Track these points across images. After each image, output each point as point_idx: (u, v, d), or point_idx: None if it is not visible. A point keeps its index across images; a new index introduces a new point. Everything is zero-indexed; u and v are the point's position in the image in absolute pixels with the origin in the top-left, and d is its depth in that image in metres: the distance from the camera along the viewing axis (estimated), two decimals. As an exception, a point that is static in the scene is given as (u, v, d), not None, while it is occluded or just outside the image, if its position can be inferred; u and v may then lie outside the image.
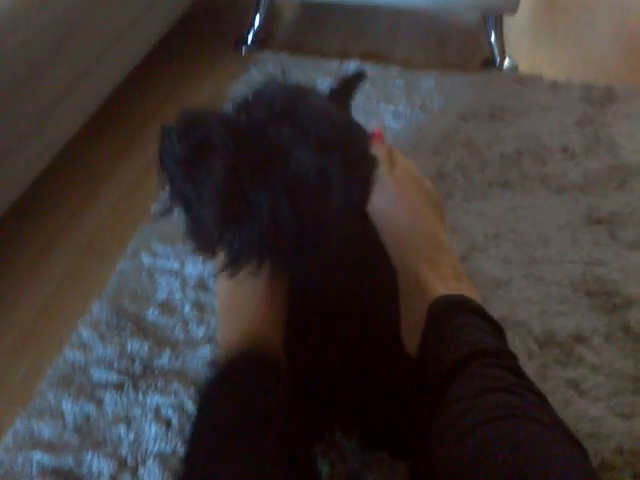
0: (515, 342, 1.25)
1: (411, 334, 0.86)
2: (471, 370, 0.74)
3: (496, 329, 0.84)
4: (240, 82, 2.06)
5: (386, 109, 1.93)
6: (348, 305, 0.91)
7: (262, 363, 0.87)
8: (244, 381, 0.86)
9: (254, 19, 2.28)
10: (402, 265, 0.87)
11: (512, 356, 0.80)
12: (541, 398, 0.72)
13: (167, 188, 0.80)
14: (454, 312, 0.82)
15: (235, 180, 0.77)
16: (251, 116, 0.81)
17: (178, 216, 0.81)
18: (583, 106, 1.91)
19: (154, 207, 1.50)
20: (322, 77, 2.05)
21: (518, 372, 0.75)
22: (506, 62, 2.18)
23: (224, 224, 0.78)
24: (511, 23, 2.30)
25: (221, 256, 0.83)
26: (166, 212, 0.82)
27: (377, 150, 0.87)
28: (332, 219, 0.82)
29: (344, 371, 0.96)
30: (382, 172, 0.86)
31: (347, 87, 1.05)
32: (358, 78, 1.06)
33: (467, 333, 0.79)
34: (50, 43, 1.45)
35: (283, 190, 0.78)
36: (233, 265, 0.82)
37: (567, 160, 1.72)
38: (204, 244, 0.82)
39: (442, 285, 0.85)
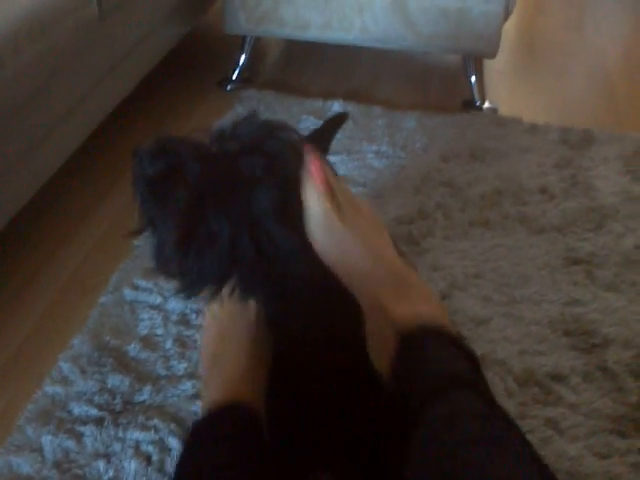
0: (494, 381, 1.27)
1: (380, 361, 0.83)
2: (445, 397, 0.74)
3: (467, 353, 0.84)
4: (225, 119, 2.08)
5: (369, 149, 1.96)
6: (322, 342, 0.91)
7: (240, 416, 0.88)
8: (222, 432, 0.87)
9: (239, 58, 2.31)
10: (366, 299, 0.84)
11: (484, 382, 0.80)
12: (510, 425, 0.72)
13: (138, 208, 0.83)
14: (426, 339, 0.80)
15: (198, 206, 0.79)
16: (222, 147, 0.83)
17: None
18: (561, 149, 1.96)
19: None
20: (306, 115, 2.08)
21: (489, 399, 0.76)
22: (486, 104, 2.22)
23: (182, 248, 0.80)
24: (491, 66, 2.36)
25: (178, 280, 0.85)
26: (138, 232, 0.84)
27: (319, 192, 0.82)
28: (291, 251, 0.84)
29: (325, 410, 0.97)
30: (328, 216, 0.82)
31: (329, 128, 1.08)
32: (340, 119, 1.09)
33: (439, 360, 0.78)
34: (34, 82, 1.45)
35: (245, 220, 0.80)
36: (189, 289, 0.84)
37: (546, 201, 1.75)
38: (162, 265, 0.84)
39: (412, 312, 0.82)
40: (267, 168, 0.81)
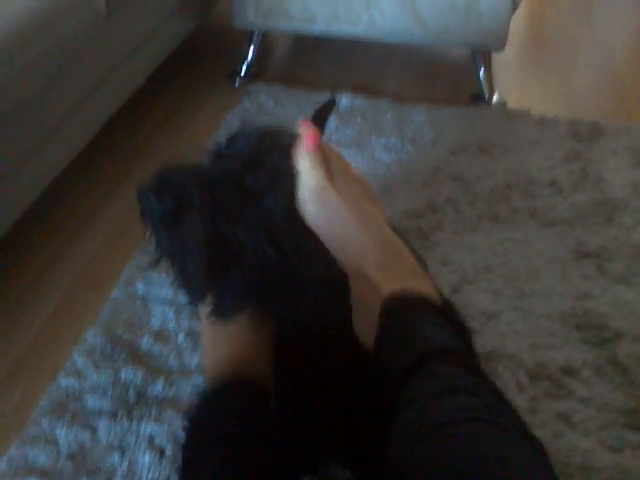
0: (505, 375, 1.27)
1: (366, 337, 0.83)
2: (430, 368, 0.73)
3: (455, 325, 0.83)
4: (233, 114, 2.09)
5: (377, 142, 1.97)
6: (331, 332, 0.91)
7: (247, 385, 0.88)
8: (230, 402, 0.87)
9: (247, 52, 2.31)
10: (352, 268, 0.84)
11: (471, 354, 0.80)
12: (500, 399, 0.71)
13: (152, 241, 0.83)
14: (410, 308, 0.80)
15: (215, 232, 0.81)
16: (225, 167, 0.84)
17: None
18: (570, 142, 1.95)
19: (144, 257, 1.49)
20: (314, 109, 2.08)
21: (477, 371, 0.75)
22: (495, 97, 2.22)
23: (211, 276, 0.81)
24: (500, 59, 2.35)
25: (209, 302, 0.86)
26: (154, 263, 0.85)
27: (314, 159, 0.83)
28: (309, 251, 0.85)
29: (334, 401, 0.97)
30: (320, 184, 0.83)
31: (320, 115, 1.09)
32: (329, 106, 1.11)
33: (425, 330, 0.77)
34: (42, 78, 1.46)
35: (262, 229, 0.81)
36: (225, 312, 0.85)
37: (555, 194, 1.75)
38: (194, 296, 0.86)
39: (397, 282, 0.82)
40: (272, 181, 0.83)
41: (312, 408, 0.96)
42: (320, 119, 1.08)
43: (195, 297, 0.87)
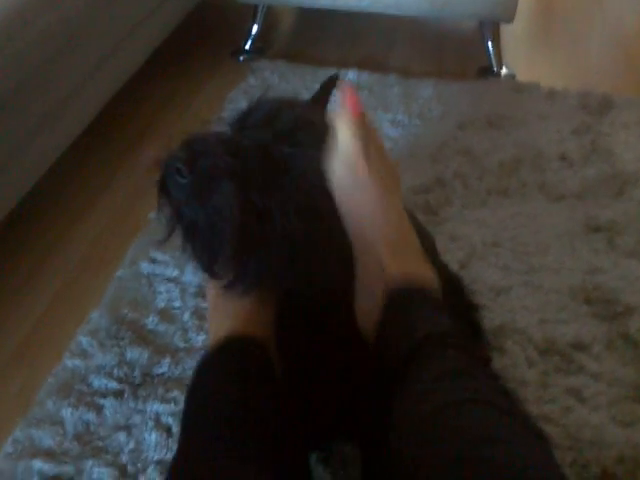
0: (515, 350, 1.26)
1: (366, 316, 0.83)
2: (430, 352, 0.73)
3: (458, 312, 0.83)
4: (238, 90, 2.06)
5: (384, 117, 1.94)
6: (338, 306, 0.90)
7: (250, 344, 0.87)
8: (233, 366, 0.86)
9: (252, 28, 2.28)
10: (362, 245, 0.84)
11: (469, 338, 0.79)
12: (497, 382, 0.71)
13: (167, 216, 0.82)
14: (414, 296, 0.80)
15: (246, 201, 0.78)
16: (253, 137, 0.82)
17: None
18: (580, 114, 1.92)
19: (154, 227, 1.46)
20: (319, 85, 2.05)
21: (475, 354, 0.74)
22: (503, 70, 2.18)
23: (240, 246, 0.79)
24: (508, 31, 2.31)
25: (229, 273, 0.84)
26: (166, 237, 0.84)
27: (355, 127, 0.83)
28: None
29: (343, 377, 0.96)
30: (356, 154, 0.82)
31: (324, 93, 1.07)
32: (332, 82, 1.09)
33: (425, 317, 0.78)
34: (44, 54, 1.44)
35: (291, 201, 0.79)
36: (247, 284, 0.83)
37: (565, 168, 1.72)
38: (215, 267, 0.83)
39: (403, 269, 0.82)
40: (301, 153, 0.82)
41: (316, 384, 0.96)
42: (323, 96, 1.06)
43: (216, 270, 0.84)
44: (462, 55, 2.31)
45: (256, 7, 2.26)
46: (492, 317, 1.32)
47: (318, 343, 0.92)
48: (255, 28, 2.28)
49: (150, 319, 1.34)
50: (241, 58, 2.28)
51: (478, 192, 1.65)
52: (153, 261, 1.47)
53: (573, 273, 1.43)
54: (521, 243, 1.51)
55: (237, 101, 2.00)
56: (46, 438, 1.13)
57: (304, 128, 0.84)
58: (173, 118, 1.96)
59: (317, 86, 2.10)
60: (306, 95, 1.92)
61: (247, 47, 2.29)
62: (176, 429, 1.14)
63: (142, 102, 2.00)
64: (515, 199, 1.64)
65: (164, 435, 1.14)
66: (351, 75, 2.11)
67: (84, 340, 1.29)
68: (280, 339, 0.92)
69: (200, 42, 2.35)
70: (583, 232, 1.53)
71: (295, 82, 2.09)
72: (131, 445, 1.12)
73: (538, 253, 1.48)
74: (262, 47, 2.32)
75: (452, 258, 1.45)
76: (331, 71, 2.09)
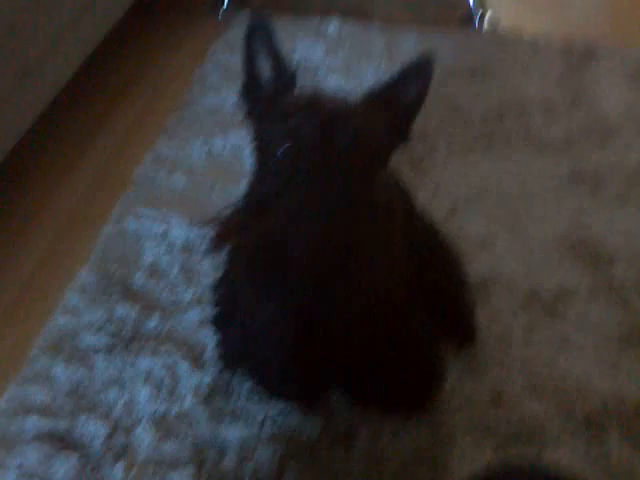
0: (500, 298, 1.28)
1: None
2: None
3: None
4: (218, 44, 2.03)
5: (367, 68, 1.92)
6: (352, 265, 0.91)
7: None
8: None
9: (232, -23, 2.24)
10: None
11: None
12: None
13: None
14: None
15: None
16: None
17: None
18: (564, 64, 1.92)
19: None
20: (303, 36, 2.03)
21: None
22: (486, 19, 2.16)
23: None
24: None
25: None
26: None
27: None
28: None
29: (347, 325, 1.00)
30: None
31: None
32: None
33: None
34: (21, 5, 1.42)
35: None
36: None
37: (549, 118, 1.73)
38: None
39: None
40: None
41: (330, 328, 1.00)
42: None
43: None
44: (445, 3, 2.28)
45: (236, -45, 2.21)
46: (477, 266, 1.34)
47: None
48: (235, -23, 2.24)
49: (138, 275, 1.34)
50: (222, 10, 2.23)
51: (462, 143, 1.66)
52: (139, 217, 1.46)
53: (558, 222, 1.44)
54: (506, 193, 1.52)
55: (217, 54, 1.98)
56: (39, 395, 1.13)
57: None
58: (155, 73, 1.94)
59: (300, 36, 2.08)
60: (287, 45, 1.89)
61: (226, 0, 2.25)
62: (168, 382, 1.16)
63: (122, 61, 1.96)
64: (499, 149, 1.64)
65: (156, 389, 1.15)
66: (333, 25, 2.08)
67: (73, 298, 1.29)
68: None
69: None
70: (567, 181, 1.54)
71: (277, 33, 2.06)
72: (123, 399, 1.14)
73: (523, 202, 1.50)
74: (242, -1, 2.28)
75: (437, 208, 1.45)
76: (314, 22, 2.09)
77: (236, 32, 2.07)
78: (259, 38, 0.96)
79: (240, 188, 1.48)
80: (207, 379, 1.17)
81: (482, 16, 2.16)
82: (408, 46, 2.02)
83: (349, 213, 0.87)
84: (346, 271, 0.90)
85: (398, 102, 0.97)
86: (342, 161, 0.87)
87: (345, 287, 0.93)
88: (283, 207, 0.85)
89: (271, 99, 0.96)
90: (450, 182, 1.55)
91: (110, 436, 1.09)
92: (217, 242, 0.92)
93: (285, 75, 0.97)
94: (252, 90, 0.99)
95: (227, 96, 1.82)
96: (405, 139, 1.01)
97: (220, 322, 1.21)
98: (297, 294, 0.94)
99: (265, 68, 0.98)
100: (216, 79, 1.88)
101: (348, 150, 0.87)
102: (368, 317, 1.00)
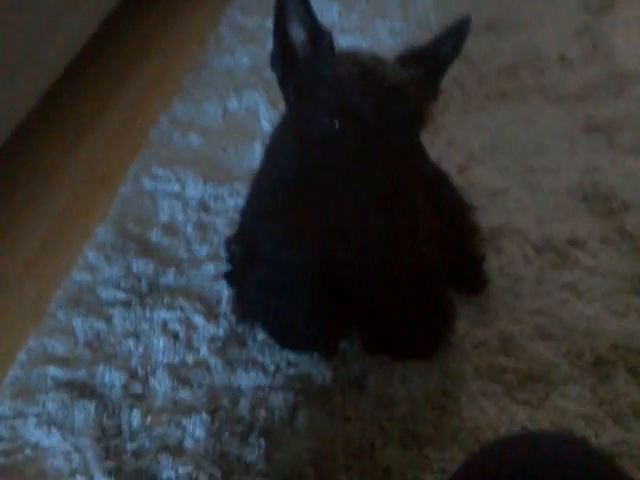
0: (511, 248, 1.28)
1: None
2: None
3: None
4: (233, 5, 2.04)
5: (382, 26, 1.92)
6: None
7: None
8: None
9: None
10: None
11: None
12: None
13: None
14: None
15: None
16: None
17: None
18: (581, 15, 1.89)
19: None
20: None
21: None
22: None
23: None
24: None
25: None
26: None
27: None
28: None
29: (367, 274, 1.02)
30: None
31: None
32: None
33: None
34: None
35: None
36: None
37: (565, 70, 1.71)
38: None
39: None
40: None
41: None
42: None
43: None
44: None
45: None
46: (490, 218, 1.34)
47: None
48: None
49: (154, 232, 1.37)
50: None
51: (476, 97, 1.65)
52: (155, 177, 1.49)
53: (571, 172, 1.43)
54: (520, 145, 1.52)
55: (233, 17, 1.98)
56: (58, 346, 1.17)
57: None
58: (171, 34, 1.95)
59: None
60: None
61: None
62: (183, 334, 1.18)
63: (141, 18, 1.98)
64: (514, 103, 1.63)
65: (171, 340, 1.18)
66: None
67: (91, 254, 1.32)
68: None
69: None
70: (582, 132, 1.53)
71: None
72: (140, 350, 1.17)
73: (537, 154, 1.49)
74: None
75: (450, 163, 1.45)
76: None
77: (231, 13, 2.06)
78: (291, 2, 0.92)
79: (253, 148, 1.53)
80: (221, 331, 1.19)
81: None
82: (423, 2, 2.00)
83: (398, 172, 0.89)
84: (375, 221, 0.91)
85: (434, 60, 0.98)
86: (397, 134, 0.88)
87: (368, 237, 0.94)
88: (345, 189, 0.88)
89: (309, 65, 0.94)
90: (464, 136, 1.54)
91: (127, 385, 1.12)
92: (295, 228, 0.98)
93: (322, 39, 0.93)
94: (285, 56, 0.96)
95: (241, 57, 1.83)
96: (435, 96, 1.01)
97: (234, 277, 1.24)
98: (321, 244, 0.97)
99: (296, 31, 0.94)
100: (231, 41, 1.89)
101: (404, 123, 0.89)
102: (387, 265, 1.02)
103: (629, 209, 1.34)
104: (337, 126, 0.88)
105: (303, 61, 0.95)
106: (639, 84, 1.64)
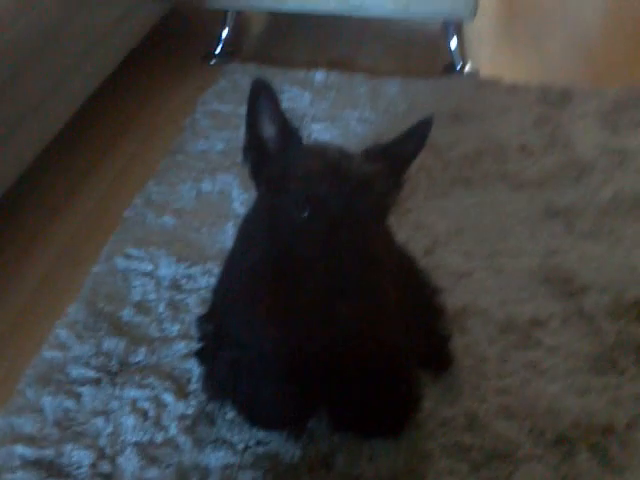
0: (476, 329, 1.32)
1: None
2: None
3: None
4: (210, 93, 2.11)
5: (352, 115, 2.00)
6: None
7: None
8: None
9: (222, 32, 2.34)
10: None
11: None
12: None
13: None
14: None
15: None
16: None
17: None
18: (541, 107, 1.99)
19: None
20: (289, 86, 2.11)
21: None
22: (467, 67, 2.25)
23: None
24: (472, 30, 2.39)
25: None
26: None
27: None
28: None
29: (337, 356, 1.05)
30: None
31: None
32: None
33: None
34: (23, 53, 1.49)
35: None
36: None
37: (525, 158, 1.79)
38: None
39: None
40: None
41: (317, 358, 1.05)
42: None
43: None
44: (428, 54, 2.38)
45: (226, 12, 2.32)
46: (455, 299, 1.38)
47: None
48: (225, 32, 2.34)
49: (126, 311, 1.38)
50: (212, 62, 2.33)
51: (442, 183, 1.71)
52: (128, 257, 1.51)
53: (532, 256, 1.49)
54: (483, 230, 1.57)
55: (208, 103, 2.05)
56: (27, 425, 1.16)
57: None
58: (148, 119, 2.01)
59: (287, 87, 2.16)
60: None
61: (218, 51, 2.34)
62: (152, 413, 1.19)
63: (116, 107, 2.04)
64: (477, 189, 1.70)
65: (141, 419, 1.18)
66: (320, 75, 2.17)
67: (62, 332, 1.33)
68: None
69: (173, 46, 2.40)
70: (542, 217, 1.60)
71: (265, 83, 2.14)
72: (109, 429, 1.17)
73: (499, 238, 1.55)
74: (233, 51, 2.37)
75: (417, 246, 1.50)
76: (301, 72, 2.18)
77: (225, 82, 2.16)
78: (263, 100, 1.01)
79: (226, 229, 1.57)
80: (191, 409, 1.20)
81: (462, 67, 2.25)
82: (391, 93, 2.10)
83: (364, 259, 0.94)
84: (342, 308, 0.96)
85: (399, 156, 1.05)
86: (363, 221, 0.95)
87: (340, 323, 0.98)
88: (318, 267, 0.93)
89: (279, 159, 1.01)
90: (429, 220, 1.60)
91: (95, 464, 1.11)
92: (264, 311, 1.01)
93: (291, 135, 1.02)
94: (257, 150, 1.04)
95: (216, 142, 1.89)
96: (400, 187, 1.08)
97: (205, 355, 1.26)
98: (290, 327, 1.00)
99: (267, 127, 1.02)
100: (206, 126, 1.95)
101: (370, 213, 0.96)
102: (357, 348, 1.05)
103: (588, 291, 1.39)
104: (305, 215, 0.94)
105: (273, 155, 1.03)
106: (596, 172, 1.72)
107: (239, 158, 1.07)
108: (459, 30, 2.25)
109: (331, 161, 0.97)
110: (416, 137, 1.08)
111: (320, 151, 1.01)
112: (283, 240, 0.98)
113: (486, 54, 2.38)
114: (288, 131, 1.02)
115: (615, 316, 1.33)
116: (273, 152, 1.03)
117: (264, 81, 1.01)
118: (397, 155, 1.05)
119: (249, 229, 1.15)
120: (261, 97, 1.01)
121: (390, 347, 1.12)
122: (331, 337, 1.01)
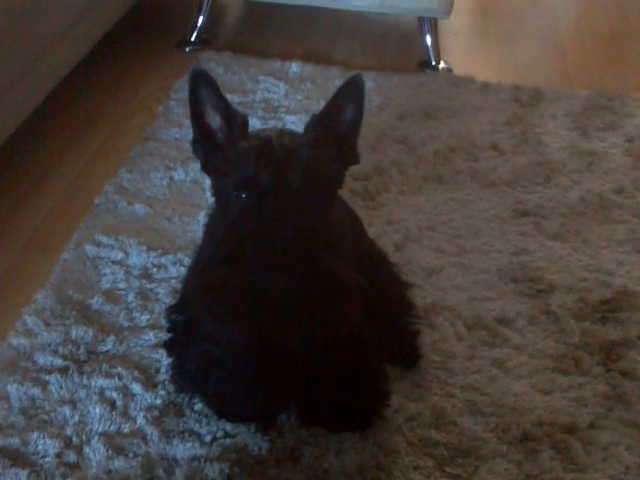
0: (444, 325, 1.33)
1: None
2: None
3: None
4: (183, 80, 2.09)
5: (325, 108, 1.99)
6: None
7: None
8: None
9: (197, 19, 2.32)
10: None
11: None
12: None
13: None
14: None
15: None
16: None
17: None
18: (512, 106, 2.01)
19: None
20: (264, 76, 2.11)
21: None
22: (441, 64, 2.26)
23: None
24: (446, 28, 2.40)
25: None
26: None
27: None
28: None
29: (307, 351, 1.06)
30: None
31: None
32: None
33: None
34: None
35: None
36: None
37: (497, 157, 1.81)
38: None
39: None
40: None
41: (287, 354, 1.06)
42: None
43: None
44: (403, 50, 2.38)
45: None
46: (424, 295, 1.40)
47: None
48: (201, 20, 2.32)
49: (95, 299, 1.37)
50: (187, 49, 2.31)
51: (414, 179, 1.72)
52: (98, 244, 1.50)
53: (501, 254, 1.51)
54: (454, 227, 1.59)
55: (182, 91, 2.04)
56: (-9, 412, 1.16)
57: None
58: (120, 105, 1.99)
59: (262, 77, 2.15)
60: (249, 85, 1.95)
61: (193, 38, 2.33)
62: (120, 402, 1.19)
63: (87, 93, 2.02)
64: (449, 186, 1.71)
65: (108, 408, 1.18)
66: (295, 67, 2.16)
67: (29, 319, 1.32)
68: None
69: (147, 32, 2.38)
70: (512, 216, 1.62)
71: (240, 73, 2.14)
72: (76, 418, 1.16)
73: (469, 236, 1.56)
74: (208, 39, 2.35)
75: (388, 241, 1.52)
76: (276, 63, 2.17)
77: None
78: (203, 90, 0.99)
79: (198, 218, 1.56)
80: (159, 400, 1.20)
81: (437, 64, 2.26)
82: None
83: (314, 244, 0.92)
84: (311, 302, 0.94)
85: (339, 126, 1.02)
86: (300, 197, 0.92)
87: (310, 316, 0.97)
88: (255, 253, 0.91)
89: (225, 148, 0.99)
90: (401, 216, 1.61)
91: (61, 453, 1.11)
92: (203, 293, 0.97)
93: (235, 121, 1.00)
94: (205, 142, 1.02)
95: (189, 130, 1.86)
96: (354, 160, 1.05)
97: (174, 346, 1.25)
98: (265, 323, 0.99)
99: (212, 117, 1.00)
100: (179, 113, 1.94)
101: (304, 186, 0.92)
102: (327, 343, 1.05)
103: (554, 290, 1.41)
104: (244, 196, 0.93)
105: (223, 145, 1.01)
106: (565, 173, 1.74)
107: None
108: (434, 27, 2.26)
109: (264, 140, 0.95)
110: (352, 100, 1.05)
111: (259, 133, 0.99)
112: (235, 227, 0.96)
113: (460, 52, 2.39)
114: (233, 118, 1.00)
115: (580, 316, 1.36)
116: (222, 142, 1.01)
117: (202, 70, 0.99)
118: (337, 122, 1.03)
119: (213, 221, 1.15)
120: (201, 87, 0.99)
121: (359, 341, 1.12)
122: (294, 329, 1.01)
